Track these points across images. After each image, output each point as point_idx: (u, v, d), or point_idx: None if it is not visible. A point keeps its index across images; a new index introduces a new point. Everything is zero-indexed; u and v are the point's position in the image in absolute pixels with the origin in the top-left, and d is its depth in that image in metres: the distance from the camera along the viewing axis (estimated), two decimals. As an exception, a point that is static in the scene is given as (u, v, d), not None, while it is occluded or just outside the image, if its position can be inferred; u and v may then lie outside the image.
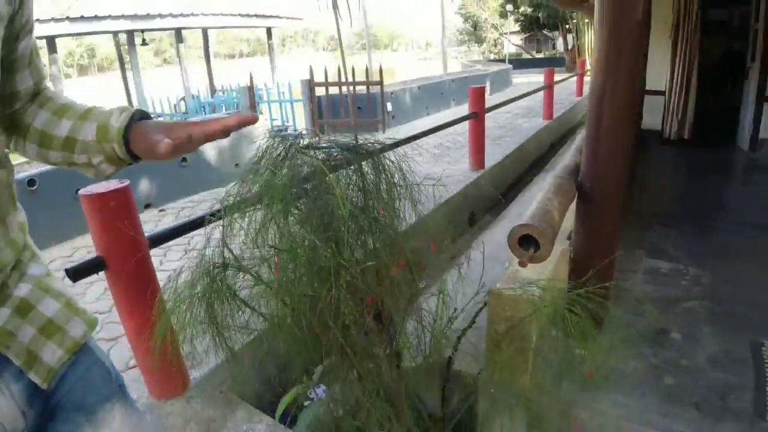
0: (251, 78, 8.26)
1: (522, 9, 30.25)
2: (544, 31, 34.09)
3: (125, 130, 0.87)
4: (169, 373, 2.08)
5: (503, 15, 38.42)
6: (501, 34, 41.25)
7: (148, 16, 9.75)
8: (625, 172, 2.11)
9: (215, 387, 2.24)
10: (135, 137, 0.87)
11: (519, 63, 25.19)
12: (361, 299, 1.40)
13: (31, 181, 4.07)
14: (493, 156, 6.14)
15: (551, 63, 30.05)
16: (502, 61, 25.62)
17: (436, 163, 6.18)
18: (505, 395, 1.76)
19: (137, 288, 1.84)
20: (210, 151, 5.47)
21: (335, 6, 4.06)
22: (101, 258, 1.76)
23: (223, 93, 12.16)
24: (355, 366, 1.56)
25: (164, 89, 12.93)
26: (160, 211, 4.86)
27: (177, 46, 11.16)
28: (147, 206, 4.93)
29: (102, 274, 1.81)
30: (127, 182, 1.75)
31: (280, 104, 9.14)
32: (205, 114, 10.31)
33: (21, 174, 4.15)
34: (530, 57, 33.63)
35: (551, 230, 1.67)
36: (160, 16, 10.03)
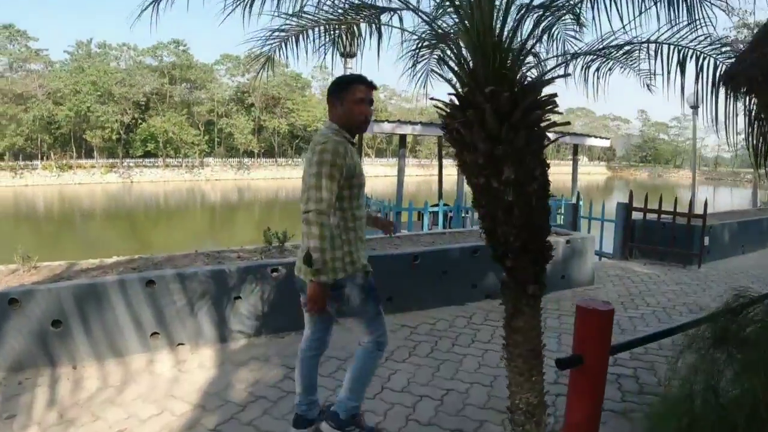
0: (578, 196, 9.02)
1: None
2: None
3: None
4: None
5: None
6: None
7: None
8: None
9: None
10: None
11: None
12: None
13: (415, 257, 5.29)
14: None
15: None
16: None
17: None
18: None
19: (595, 384, 2.38)
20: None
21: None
22: (580, 356, 2.35)
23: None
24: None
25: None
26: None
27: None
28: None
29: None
30: (612, 307, 2.34)
31: (590, 221, 9.60)
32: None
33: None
34: None
35: None
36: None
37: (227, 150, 64.22)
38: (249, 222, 31.53)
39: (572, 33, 3.12)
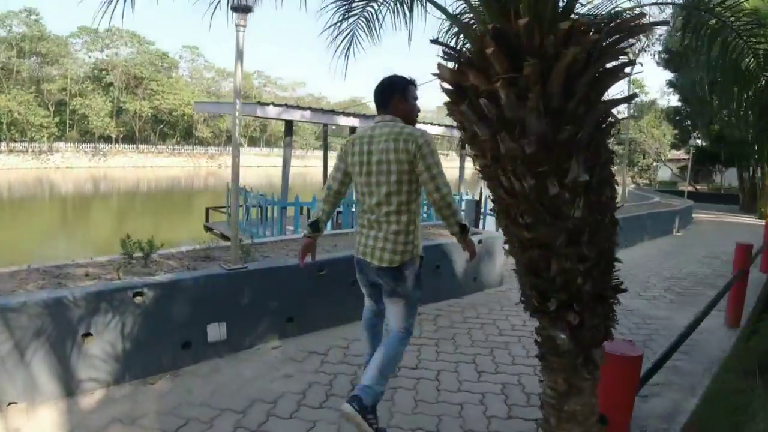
0: (481, 192, 8.72)
1: (700, 142, 29.16)
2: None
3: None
4: None
5: (675, 146, 37.13)
6: (664, 163, 40.09)
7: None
8: None
9: None
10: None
11: (694, 197, 23.76)
12: None
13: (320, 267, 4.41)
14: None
15: (723, 199, 28.08)
16: (677, 192, 24.39)
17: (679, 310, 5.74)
18: None
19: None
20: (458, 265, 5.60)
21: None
22: (603, 417, 1.70)
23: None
24: None
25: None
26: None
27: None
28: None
29: None
30: (641, 352, 1.72)
31: (485, 216, 9.37)
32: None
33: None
34: (693, 190, 31.17)
35: None
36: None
37: (81, 134, 57.74)
38: (106, 220, 28.35)
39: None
